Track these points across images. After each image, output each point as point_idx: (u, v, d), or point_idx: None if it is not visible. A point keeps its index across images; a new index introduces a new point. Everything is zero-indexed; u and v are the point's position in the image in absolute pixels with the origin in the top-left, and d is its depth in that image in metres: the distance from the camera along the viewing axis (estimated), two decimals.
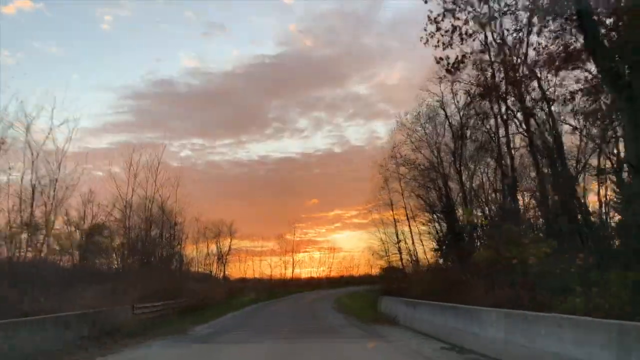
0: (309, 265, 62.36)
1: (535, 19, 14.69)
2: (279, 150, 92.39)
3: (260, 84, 79.68)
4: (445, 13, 14.06)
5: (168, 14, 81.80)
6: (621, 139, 16.91)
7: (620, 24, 12.50)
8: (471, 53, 15.99)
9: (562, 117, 20.37)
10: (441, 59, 15.43)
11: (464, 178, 25.43)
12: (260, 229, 51.48)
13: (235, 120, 79.36)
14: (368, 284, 61.71)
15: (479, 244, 21.62)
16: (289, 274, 57.69)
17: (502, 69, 19.55)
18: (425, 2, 13.83)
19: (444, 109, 26.55)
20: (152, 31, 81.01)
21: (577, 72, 16.09)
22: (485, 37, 18.70)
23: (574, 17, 12.65)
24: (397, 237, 32.21)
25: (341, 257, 64.59)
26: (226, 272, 46.13)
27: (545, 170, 19.95)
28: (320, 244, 64.69)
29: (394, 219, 32.36)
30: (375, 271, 73.87)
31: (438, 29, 14.42)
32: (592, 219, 18.63)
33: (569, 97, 17.00)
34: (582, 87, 16.24)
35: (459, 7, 14.02)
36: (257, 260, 54.72)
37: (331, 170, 79.37)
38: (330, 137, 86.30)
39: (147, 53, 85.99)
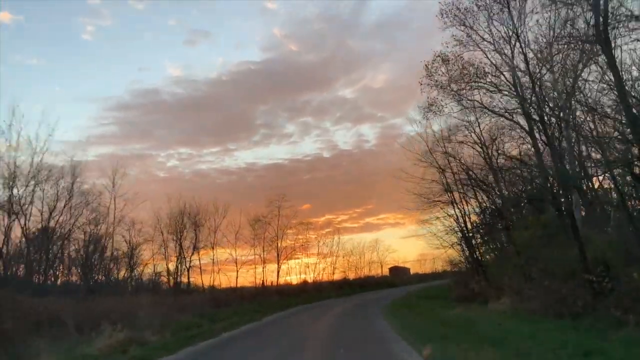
0: (301, 271, 48.93)
1: None
2: (267, 157, 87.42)
3: (247, 90, 78.63)
4: None
5: (151, 22, 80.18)
6: None
7: None
8: None
9: None
10: None
11: None
12: (249, 237, 40.74)
13: (222, 128, 76.88)
14: (385, 287, 48.23)
15: None
16: (273, 279, 42.43)
17: None
18: None
19: None
20: (135, 41, 78.97)
21: None
22: None
23: None
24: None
25: (342, 259, 53.24)
26: (190, 281, 35.96)
27: None
28: (311, 250, 49.13)
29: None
30: (384, 271, 61.86)
31: None
32: None
33: None
34: None
35: None
36: (243, 270, 40.38)
37: (320, 175, 76.14)
38: (318, 141, 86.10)
39: (131, 63, 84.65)
